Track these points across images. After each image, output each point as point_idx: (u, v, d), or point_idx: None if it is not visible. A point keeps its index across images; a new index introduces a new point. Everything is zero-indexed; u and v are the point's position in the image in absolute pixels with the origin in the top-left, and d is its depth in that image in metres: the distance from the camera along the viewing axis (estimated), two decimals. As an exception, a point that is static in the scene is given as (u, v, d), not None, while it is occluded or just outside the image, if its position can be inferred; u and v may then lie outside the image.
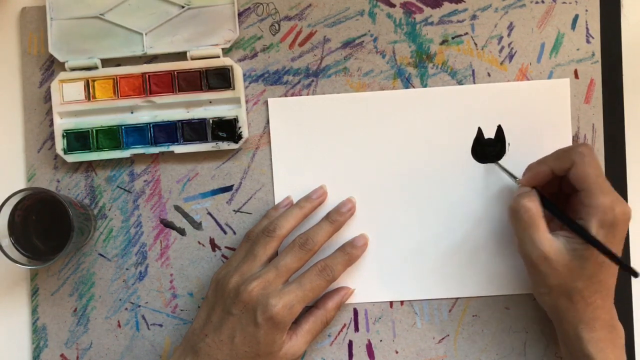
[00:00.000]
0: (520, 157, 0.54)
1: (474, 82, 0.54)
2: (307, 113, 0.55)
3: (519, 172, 0.53)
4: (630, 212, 0.46)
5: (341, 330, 0.55)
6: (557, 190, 0.51)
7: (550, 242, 0.47)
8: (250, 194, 0.55)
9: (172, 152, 0.54)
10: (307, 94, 0.55)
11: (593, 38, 0.54)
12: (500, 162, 0.53)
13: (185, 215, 0.55)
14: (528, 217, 0.47)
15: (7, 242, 0.50)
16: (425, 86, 0.54)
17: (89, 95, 0.54)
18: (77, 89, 0.54)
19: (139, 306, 0.55)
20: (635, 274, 0.44)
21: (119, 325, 0.55)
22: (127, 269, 0.55)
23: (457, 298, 0.54)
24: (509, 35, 0.54)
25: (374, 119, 0.54)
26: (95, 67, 0.54)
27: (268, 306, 0.47)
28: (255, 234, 0.52)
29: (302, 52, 0.55)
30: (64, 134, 0.54)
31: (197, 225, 0.55)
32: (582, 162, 0.47)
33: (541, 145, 0.54)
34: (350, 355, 0.55)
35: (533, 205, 0.47)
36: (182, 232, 0.55)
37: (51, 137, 0.55)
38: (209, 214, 0.55)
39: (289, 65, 0.55)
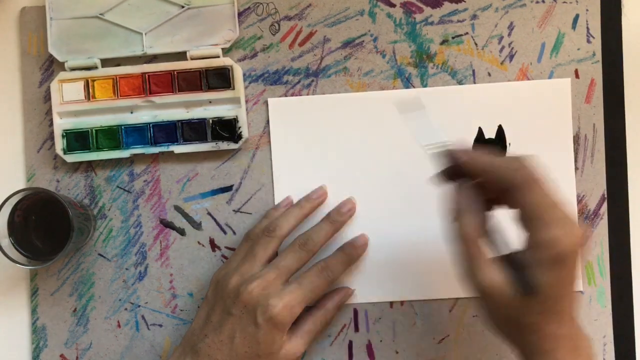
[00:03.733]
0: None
1: (474, 82, 0.54)
2: (307, 113, 0.55)
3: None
4: (580, 237, 0.39)
5: (341, 330, 0.55)
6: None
7: (491, 276, 0.40)
8: (250, 194, 0.55)
9: (172, 152, 0.54)
10: (307, 94, 0.55)
11: (594, 38, 0.54)
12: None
13: (185, 215, 0.55)
14: (465, 248, 0.41)
15: (7, 242, 0.50)
16: (425, 86, 0.54)
17: (89, 95, 0.54)
18: (76, 89, 0.54)
19: (139, 306, 0.55)
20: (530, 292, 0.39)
21: (119, 326, 0.55)
22: (126, 269, 0.55)
23: (457, 298, 0.54)
24: (509, 35, 0.54)
25: (374, 119, 0.54)
26: (95, 67, 0.54)
27: (268, 306, 0.47)
28: (255, 234, 0.51)
29: (302, 52, 0.55)
30: (64, 134, 0.54)
31: (197, 225, 0.55)
32: (524, 189, 0.40)
33: (542, 146, 0.54)
34: (350, 355, 0.55)
35: (468, 234, 0.41)
36: (182, 232, 0.55)
37: (51, 137, 0.55)
38: (209, 214, 0.55)
39: (289, 65, 0.55)
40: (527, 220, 0.40)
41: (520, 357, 0.43)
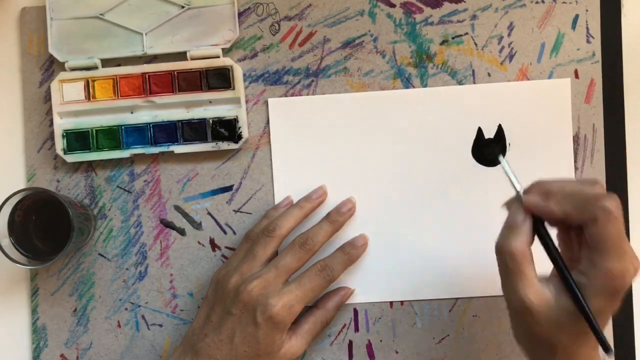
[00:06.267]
0: (520, 157, 0.54)
1: (474, 82, 0.54)
2: (307, 113, 0.55)
3: (522, 177, 0.53)
4: (637, 271, 0.40)
5: (341, 330, 0.55)
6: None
7: (537, 293, 0.41)
8: (250, 194, 0.55)
9: (172, 152, 0.54)
10: (307, 94, 0.55)
11: (593, 38, 0.54)
12: (505, 162, 0.46)
13: (185, 215, 0.55)
14: (513, 265, 0.41)
15: (7, 242, 0.50)
16: (425, 86, 0.54)
17: (89, 95, 0.54)
18: (77, 89, 0.54)
19: (139, 306, 0.55)
20: (608, 350, 0.39)
21: (119, 325, 0.55)
22: (127, 269, 0.55)
23: (457, 298, 0.54)
24: (509, 35, 0.54)
25: (374, 119, 0.54)
26: (95, 67, 0.54)
27: (268, 306, 0.47)
28: (255, 234, 0.52)
29: (302, 52, 0.55)
30: (64, 134, 0.54)
31: (197, 225, 0.55)
32: (605, 222, 0.39)
33: (541, 146, 0.54)
34: (350, 355, 0.55)
35: (520, 250, 0.41)
36: (182, 232, 0.55)
37: (51, 137, 0.55)
38: (209, 214, 0.55)
39: (289, 65, 0.55)
40: (599, 249, 0.40)
41: None
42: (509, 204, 0.44)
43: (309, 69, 0.55)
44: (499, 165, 0.53)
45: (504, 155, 0.54)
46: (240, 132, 0.54)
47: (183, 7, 0.54)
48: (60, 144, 0.54)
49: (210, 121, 0.54)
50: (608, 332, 0.53)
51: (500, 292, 0.54)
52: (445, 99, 0.54)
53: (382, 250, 0.54)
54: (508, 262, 0.41)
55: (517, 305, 0.42)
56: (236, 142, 0.54)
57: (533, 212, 0.42)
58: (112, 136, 0.54)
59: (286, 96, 0.55)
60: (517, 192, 0.44)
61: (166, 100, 0.54)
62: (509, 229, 0.42)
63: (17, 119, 0.56)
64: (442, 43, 0.55)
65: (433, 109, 0.54)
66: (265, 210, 0.54)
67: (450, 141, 0.54)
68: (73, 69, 0.54)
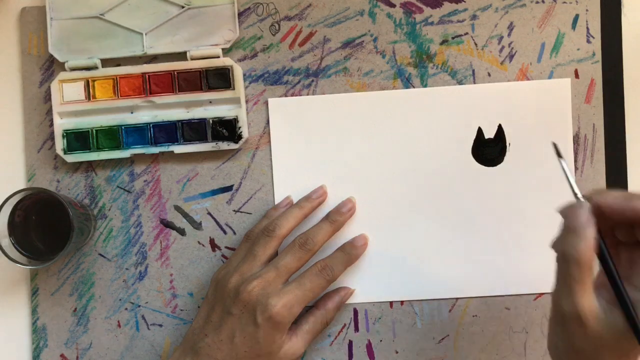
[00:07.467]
0: (520, 157, 0.54)
1: (474, 82, 0.54)
2: (307, 113, 0.55)
3: (522, 177, 0.53)
4: None
5: (341, 330, 0.55)
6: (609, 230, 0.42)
7: (590, 304, 0.38)
8: (250, 194, 0.55)
9: (172, 152, 0.54)
10: (307, 94, 0.55)
11: (593, 38, 0.54)
12: (565, 164, 0.43)
13: (185, 215, 0.55)
14: (578, 272, 0.38)
15: (7, 242, 0.50)
16: (425, 86, 0.54)
17: (89, 95, 0.54)
18: (77, 89, 0.54)
19: (139, 306, 0.55)
20: None
21: (119, 325, 0.55)
22: (127, 269, 0.55)
23: (457, 298, 0.54)
24: (509, 35, 0.54)
25: (374, 119, 0.54)
26: (95, 67, 0.54)
27: (268, 306, 0.47)
28: (255, 234, 0.52)
29: (302, 52, 0.55)
30: (64, 134, 0.54)
31: (197, 225, 0.55)
32: None
33: (541, 146, 0.54)
34: (350, 355, 0.55)
35: (587, 257, 0.38)
36: (182, 232, 0.55)
37: (51, 137, 0.55)
38: (209, 214, 0.55)
39: (289, 65, 0.55)
40: None
41: None
42: (569, 209, 0.40)
43: (309, 69, 0.55)
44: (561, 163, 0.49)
45: (503, 155, 0.54)
46: (240, 132, 0.54)
47: (183, 7, 0.54)
48: (60, 144, 0.54)
49: (210, 121, 0.54)
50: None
51: (499, 292, 0.54)
52: (445, 99, 0.54)
53: (382, 250, 0.54)
54: (573, 269, 0.38)
55: (569, 314, 0.39)
56: (236, 142, 0.54)
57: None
58: (112, 136, 0.54)
59: (286, 96, 0.55)
60: (577, 196, 0.40)
61: (166, 100, 0.54)
62: (573, 234, 0.39)
63: (17, 119, 0.56)
64: (442, 43, 0.55)
65: (433, 109, 0.54)
66: (265, 210, 0.54)
67: (450, 141, 0.54)
68: (73, 69, 0.54)
